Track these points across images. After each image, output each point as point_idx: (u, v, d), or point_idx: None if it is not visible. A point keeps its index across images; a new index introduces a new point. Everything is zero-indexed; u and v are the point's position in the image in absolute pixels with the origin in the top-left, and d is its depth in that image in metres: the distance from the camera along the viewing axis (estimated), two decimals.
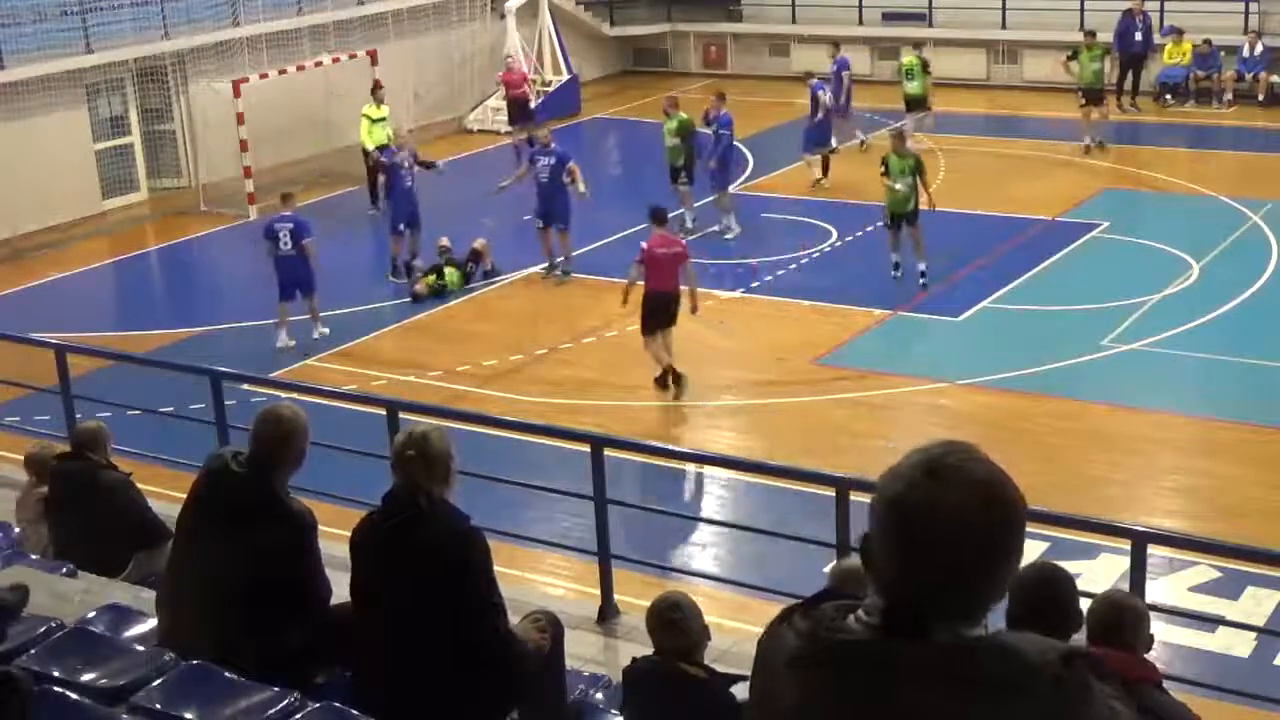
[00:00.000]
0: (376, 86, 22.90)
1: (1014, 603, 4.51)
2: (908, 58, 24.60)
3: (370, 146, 22.12)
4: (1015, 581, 4.58)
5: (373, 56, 25.13)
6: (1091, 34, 24.87)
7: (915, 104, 24.41)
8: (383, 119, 22.39)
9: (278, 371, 15.29)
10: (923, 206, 17.78)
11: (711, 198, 20.54)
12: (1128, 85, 26.47)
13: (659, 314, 14.69)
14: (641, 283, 14.69)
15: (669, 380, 14.73)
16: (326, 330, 17.15)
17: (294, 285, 16.85)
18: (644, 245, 14.87)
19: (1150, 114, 26.43)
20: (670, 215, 16.08)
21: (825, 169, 22.81)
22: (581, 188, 18.97)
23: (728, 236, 20.19)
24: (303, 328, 17.04)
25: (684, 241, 15.85)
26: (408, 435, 5.33)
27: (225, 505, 5.54)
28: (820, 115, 22.65)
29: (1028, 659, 2.20)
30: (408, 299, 18.45)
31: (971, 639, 2.24)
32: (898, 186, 17.64)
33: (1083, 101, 23.86)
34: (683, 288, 14.79)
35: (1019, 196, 21.50)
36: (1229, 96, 26.54)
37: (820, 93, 22.57)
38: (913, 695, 2.19)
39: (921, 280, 17.71)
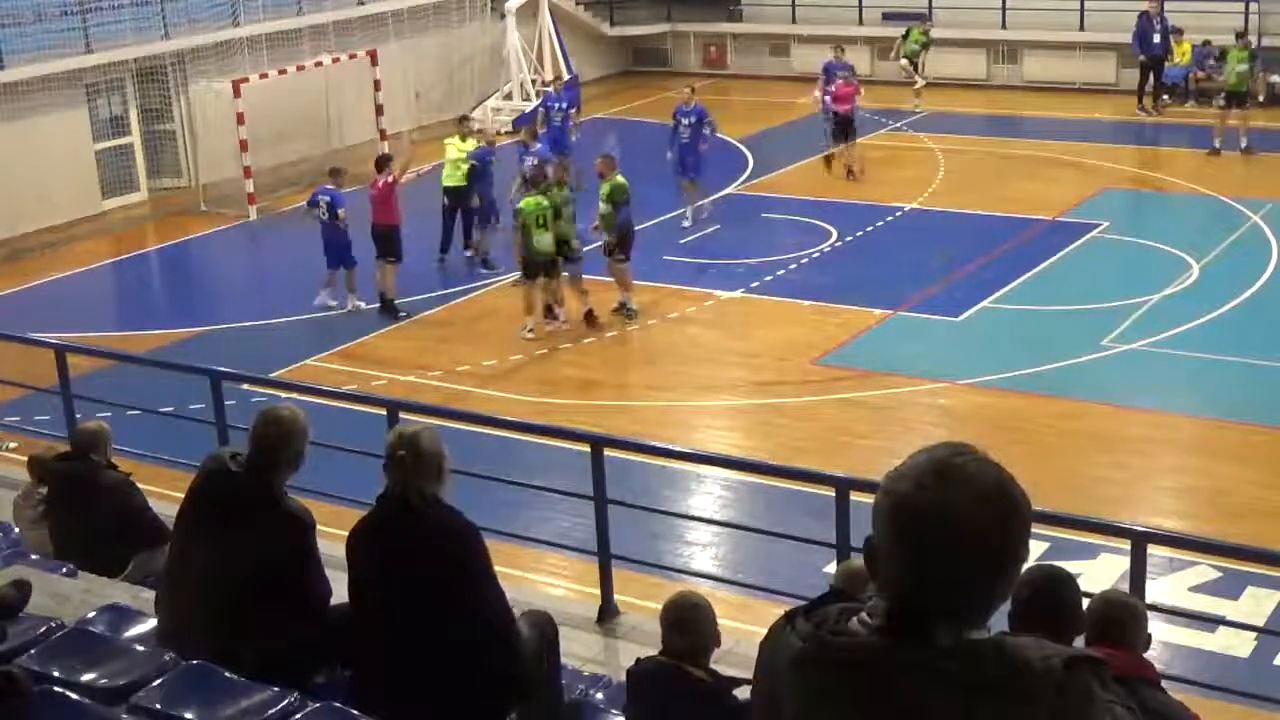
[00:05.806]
0: (463, 118, 20.34)
1: (1016, 605, 4.51)
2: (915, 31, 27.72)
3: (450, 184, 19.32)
4: (1019, 584, 4.57)
5: (373, 56, 25.11)
6: (1242, 35, 24.48)
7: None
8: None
9: (278, 371, 15.29)
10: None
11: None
12: (1149, 87, 26.38)
13: (382, 242, 17.73)
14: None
15: (394, 308, 17.70)
16: (362, 304, 17.92)
17: (335, 255, 17.86)
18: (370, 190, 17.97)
19: (1151, 114, 26.43)
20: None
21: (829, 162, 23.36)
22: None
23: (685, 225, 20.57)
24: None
25: (379, 182, 17.89)
26: (398, 435, 5.31)
27: (223, 505, 5.53)
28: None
29: (1030, 663, 2.20)
30: (410, 298, 18.41)
31: (974, 642, 2.24)
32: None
33: (1222, 104, 23.31)
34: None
35: (1019, 196, 21.50)
36: None
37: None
38: (915, 698, 2.19)
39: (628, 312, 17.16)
